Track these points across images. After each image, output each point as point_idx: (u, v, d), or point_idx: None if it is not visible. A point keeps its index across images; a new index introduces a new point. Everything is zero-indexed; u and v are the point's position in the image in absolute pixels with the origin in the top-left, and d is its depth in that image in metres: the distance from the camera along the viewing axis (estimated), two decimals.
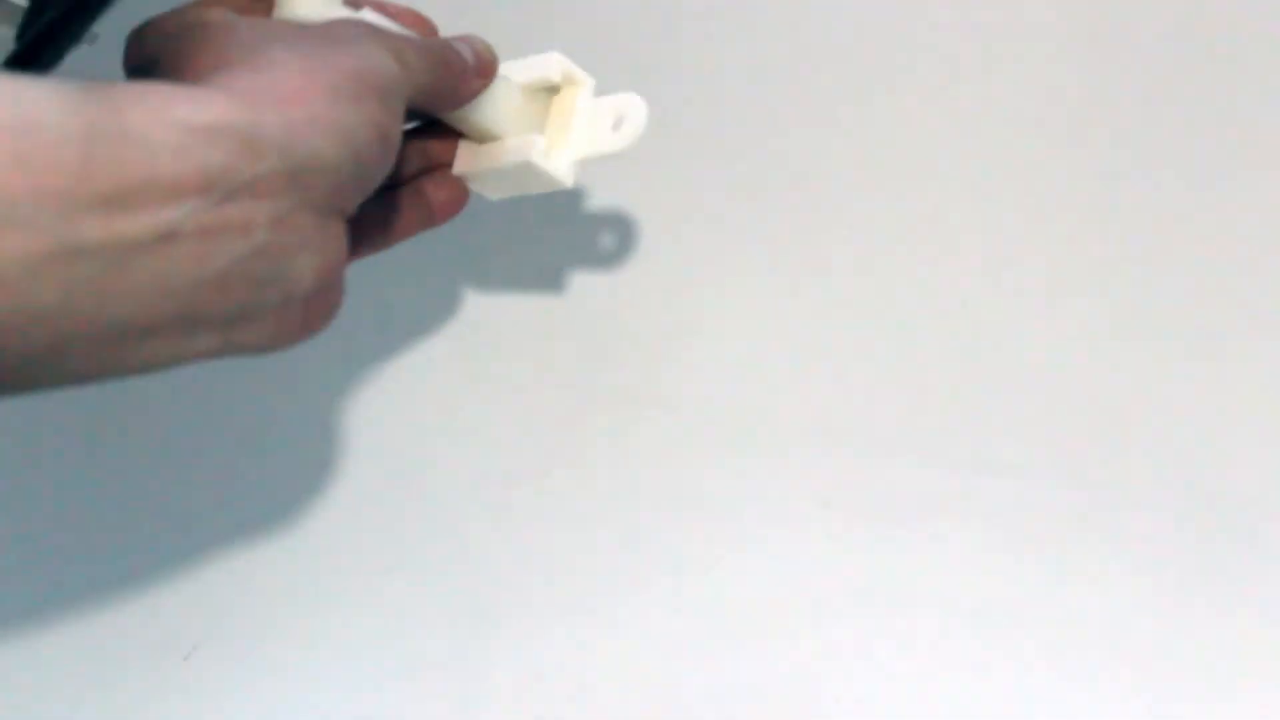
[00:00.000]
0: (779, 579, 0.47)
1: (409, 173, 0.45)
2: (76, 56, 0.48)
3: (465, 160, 0.45)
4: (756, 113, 0.62)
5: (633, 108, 0.43)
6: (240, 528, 0.52)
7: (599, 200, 0.62)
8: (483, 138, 0.45)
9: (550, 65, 0.44)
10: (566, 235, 0.61)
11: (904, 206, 0.58)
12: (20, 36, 0.43)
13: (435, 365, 0.53)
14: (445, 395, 0.54)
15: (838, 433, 0.51)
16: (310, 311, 0.33)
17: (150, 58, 0.35)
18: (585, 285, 0.54)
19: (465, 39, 0.42)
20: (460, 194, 0.46)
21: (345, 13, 0.40)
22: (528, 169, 0.44)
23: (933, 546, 0.47)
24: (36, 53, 0.43)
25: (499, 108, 0.43)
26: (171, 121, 0.29)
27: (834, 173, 0.60)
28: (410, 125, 0.45)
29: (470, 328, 0.55)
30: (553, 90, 0.45)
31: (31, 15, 0.43)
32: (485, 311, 0.55)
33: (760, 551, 0.48)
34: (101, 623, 0.50)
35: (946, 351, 0.53)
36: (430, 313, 0.55)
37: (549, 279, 0.59)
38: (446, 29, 0.44)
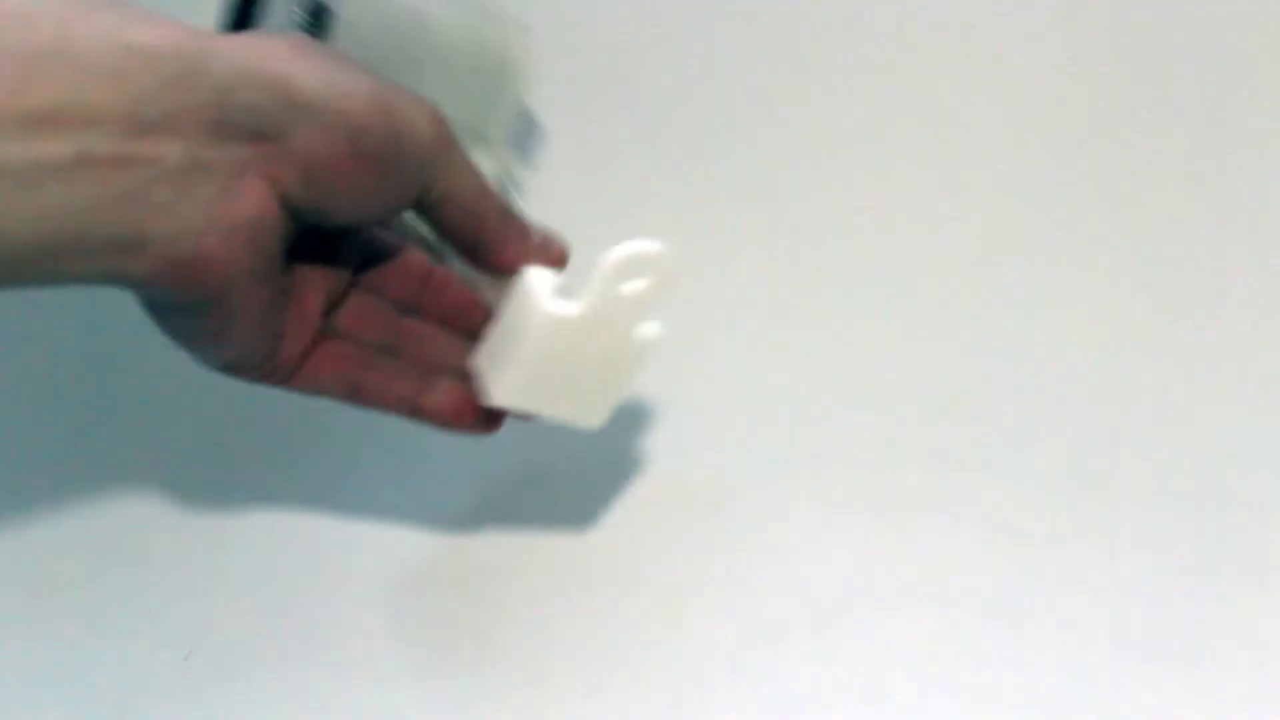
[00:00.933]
0: (778, 579, 0.47)
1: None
2: None
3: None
4: (757, 113, 0.63)
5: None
6: (240, 528, 0.52)
7: (597, 201, 0.62)
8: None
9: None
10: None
11: (903, 207, 0.59)
12: None
13: None
14: None
15: (838, 434, 0.51)
16: (195, 267, 0.32)
17: None
18: None
19: (543, 233, 0.39)
20: (466, 401, 0.41)
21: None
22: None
23: (933, 547, 0.47)
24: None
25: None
26: (117, 43, 0.29)
27: (833, 173, 0.60)
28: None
29: None
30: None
31: None
32: None
33: (760, 552, 0.48)
34: (101, 623, 0.50)
35: (946, 352, 0.53)
36: None
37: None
38: None
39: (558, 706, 0.45)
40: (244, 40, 0.33)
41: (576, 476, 0.51)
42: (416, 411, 0.41)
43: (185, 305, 0.33)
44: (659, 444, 0.51)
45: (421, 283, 0.41)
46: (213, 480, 0.54)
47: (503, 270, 0.39)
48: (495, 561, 0.50)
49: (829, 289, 0.56)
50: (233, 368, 0.37)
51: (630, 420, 0.51)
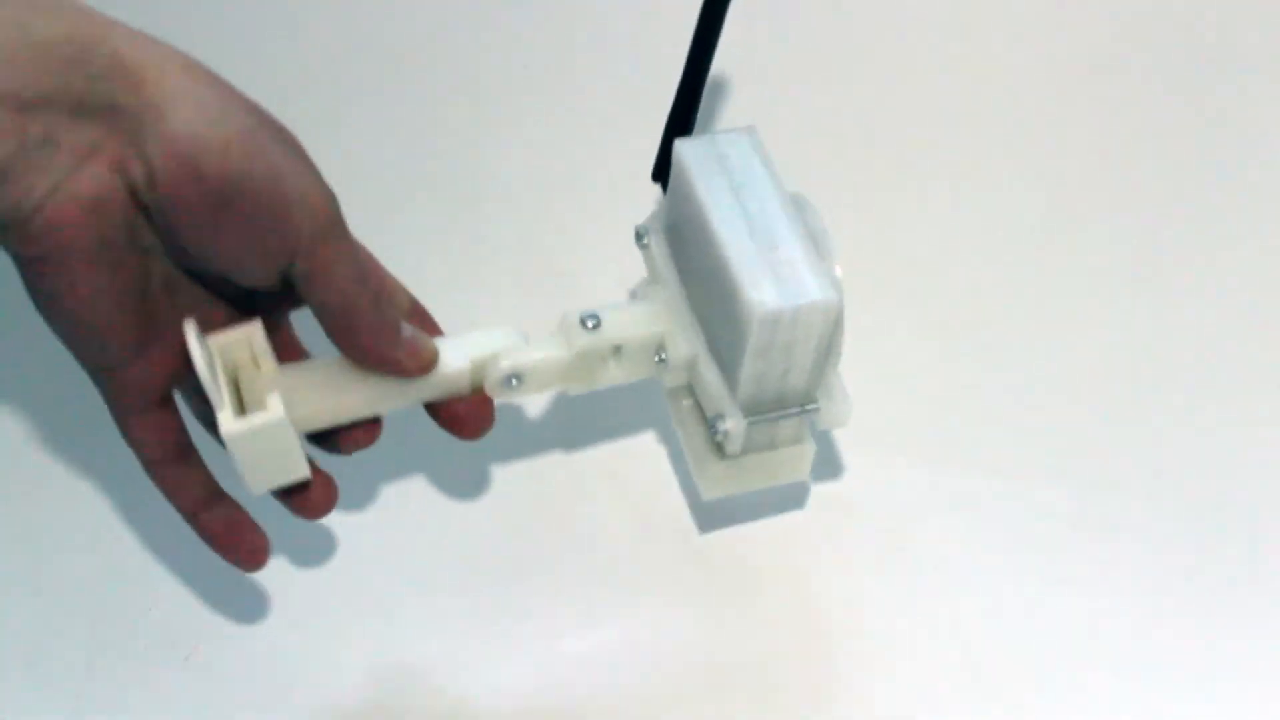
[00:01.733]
0: (779, 577, 0.47)
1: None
2: None
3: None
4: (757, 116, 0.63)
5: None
6: None
7: (597, 206, 0.62)
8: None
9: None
10: (572, 237, 0.61)
11: (903, 207, 0.59)
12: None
13: None
14: None
15: (837, 433, 0.51)
16: (34, 225, 0.34)
17: None
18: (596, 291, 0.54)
19: (414, 334, 0.40)
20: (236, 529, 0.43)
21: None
22: None
23: (933, 546, 0.47)
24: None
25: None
26: (16, 33, 0.33)
27: (831, 175, 0.60)
28: None
29: None
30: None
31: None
32: None
33: (761, 549, 0.49)
34: (101, 623, 0.50)
35: (946, 352, 0.53)
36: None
37: (554, 284, 0.60)
38: None
39: (565, 707, 0.45)
40: (142, 38, 0.35)
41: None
42: (192, 523, 0.42)
43: (27, 259, 0.35)
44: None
45: None
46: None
47: (368, 363, 0.39)
48: (491, 552, 0.50)
49: None
50: (81, 354, 0.38)
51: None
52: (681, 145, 0.42)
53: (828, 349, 0.41)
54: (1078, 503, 0.47)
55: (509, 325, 0.43)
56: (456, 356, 0.41)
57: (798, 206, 0.42)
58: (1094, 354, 0.52)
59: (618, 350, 0.43)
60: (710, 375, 0.41)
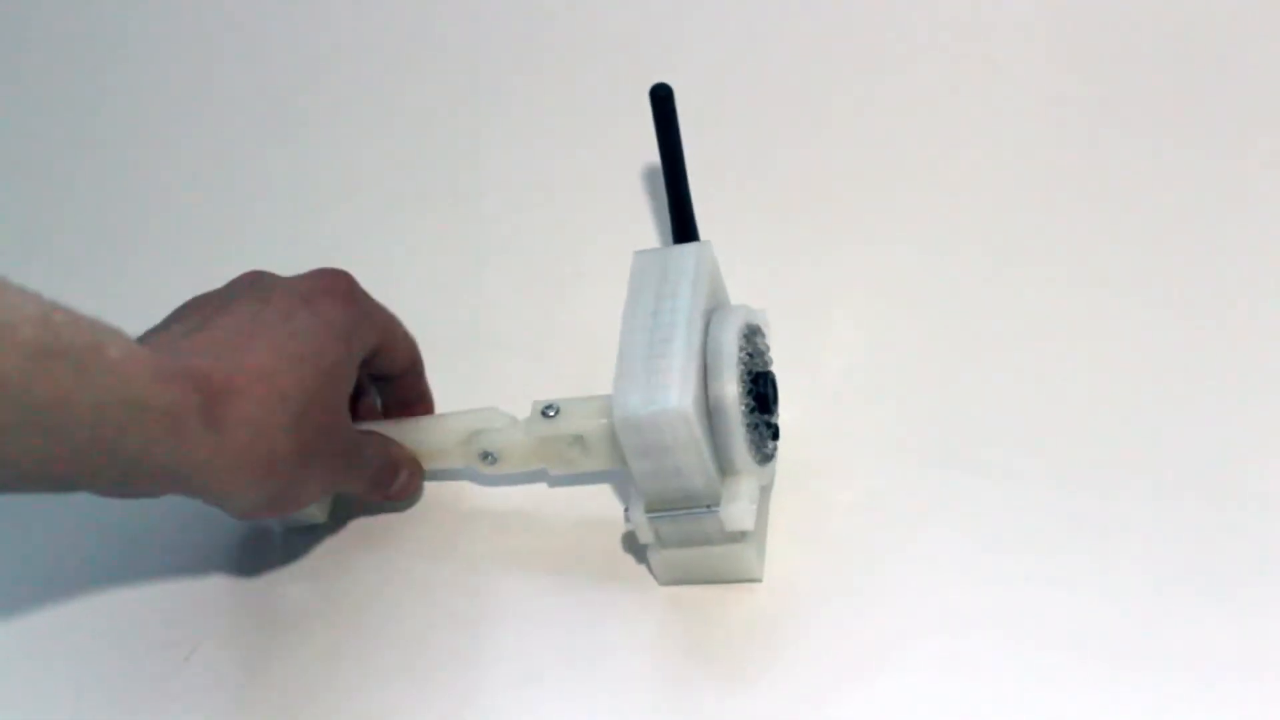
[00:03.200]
0: (779, 575, 0.47)
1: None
2: None
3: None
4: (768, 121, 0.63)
5: None
6: (241, 528, 0.52)
7: (597, 205, 0.62)
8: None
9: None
10: (575, 242, 0.61)
11: (902, 207, 0.59)
12: None
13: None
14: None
15: (836, 434, 0.51)
16: None
17: None
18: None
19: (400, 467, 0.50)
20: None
21: None
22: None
23: (933, 546, 0.47)
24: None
25: None
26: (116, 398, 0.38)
27: (831, 175, 0.60)
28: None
29: None
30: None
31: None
32: None
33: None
34: (102, 623, 0.50)
35: (946, 352, 0.53)
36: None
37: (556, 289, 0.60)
38: None
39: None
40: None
41: None
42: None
43: None
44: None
45: None
46: None
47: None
48: (485, 556, 0.50)
49: (829, 289, 0.56)
50: None
51: None
52: (636, 257, 0.46)
53: (713, 455, 0.43)
54: (1078, 503, 0.47)
55: (498, 408, 0.49)
56: (444, 436, 0.50)
57: (722, 321, 0.44)
58: (1094, 354, 0.52)
59: (580, 439, 0.46)
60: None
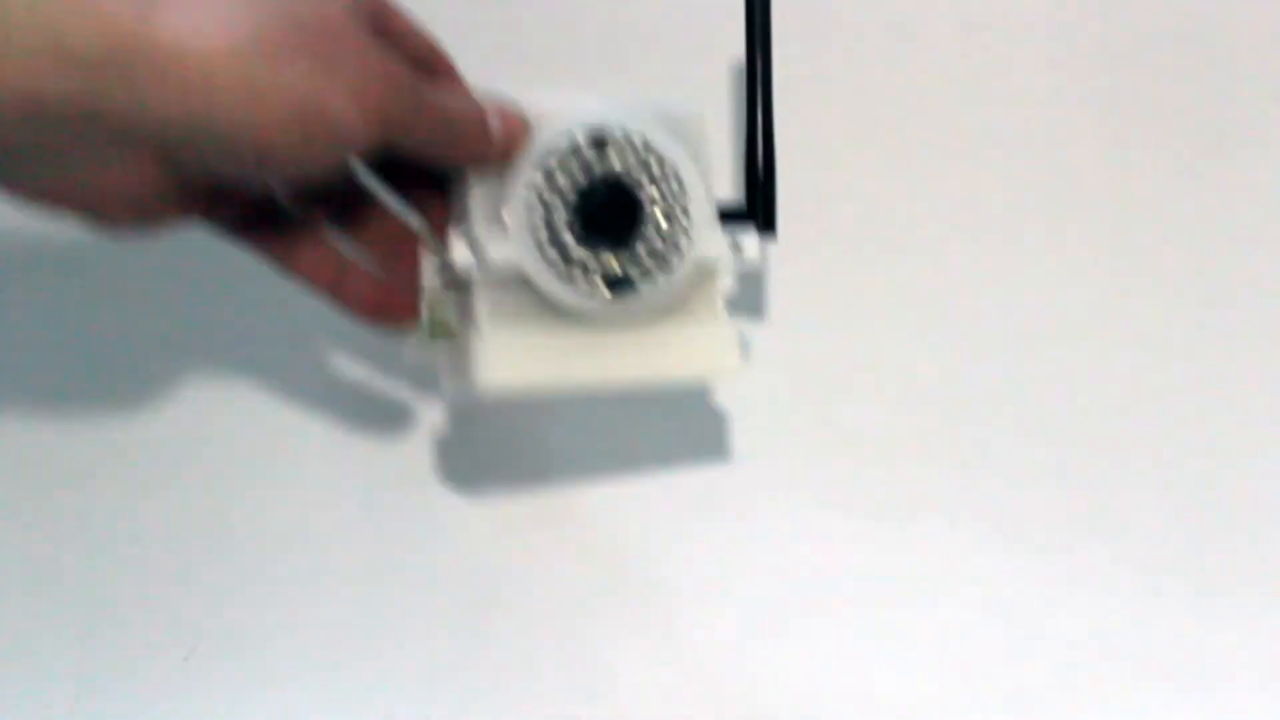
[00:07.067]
0: (779, 576, 0.47)
1: (370, 238, 0.40)
2: None
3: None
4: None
5: None
6: (241, 527, 0.52)
7: None
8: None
9: None
10: None
11: (900, 206, 0.59)
12: None
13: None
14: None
15: (836, 434, 0.51)
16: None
17: None
18: None
19: (498, 104, 0.38)
20: (388, 299, 0.40)
21: None
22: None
23: (932, 547, 0.47)
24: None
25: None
26: (50, 39, 0.30)
27: (830, 176, 0.60)
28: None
29: None
30: None
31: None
32: None
33: (762, 549, 0.49)
34: (101, 623, 0.50)
35: (945, 353, 0.53)
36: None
37: None
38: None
39: (571, 706, 0.45)
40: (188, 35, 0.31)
41: (572, 465, 0.51)
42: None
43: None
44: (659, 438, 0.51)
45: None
46: (212, 479, 0.54)
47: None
48: (488, 564, 0.50)
49: (829, 289, 0.56)
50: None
51: (639, 417, 0.51)
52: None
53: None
54: (1077, 503, 0.47)
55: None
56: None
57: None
58: (1094, 354, 0.52)
59: None
60: None
